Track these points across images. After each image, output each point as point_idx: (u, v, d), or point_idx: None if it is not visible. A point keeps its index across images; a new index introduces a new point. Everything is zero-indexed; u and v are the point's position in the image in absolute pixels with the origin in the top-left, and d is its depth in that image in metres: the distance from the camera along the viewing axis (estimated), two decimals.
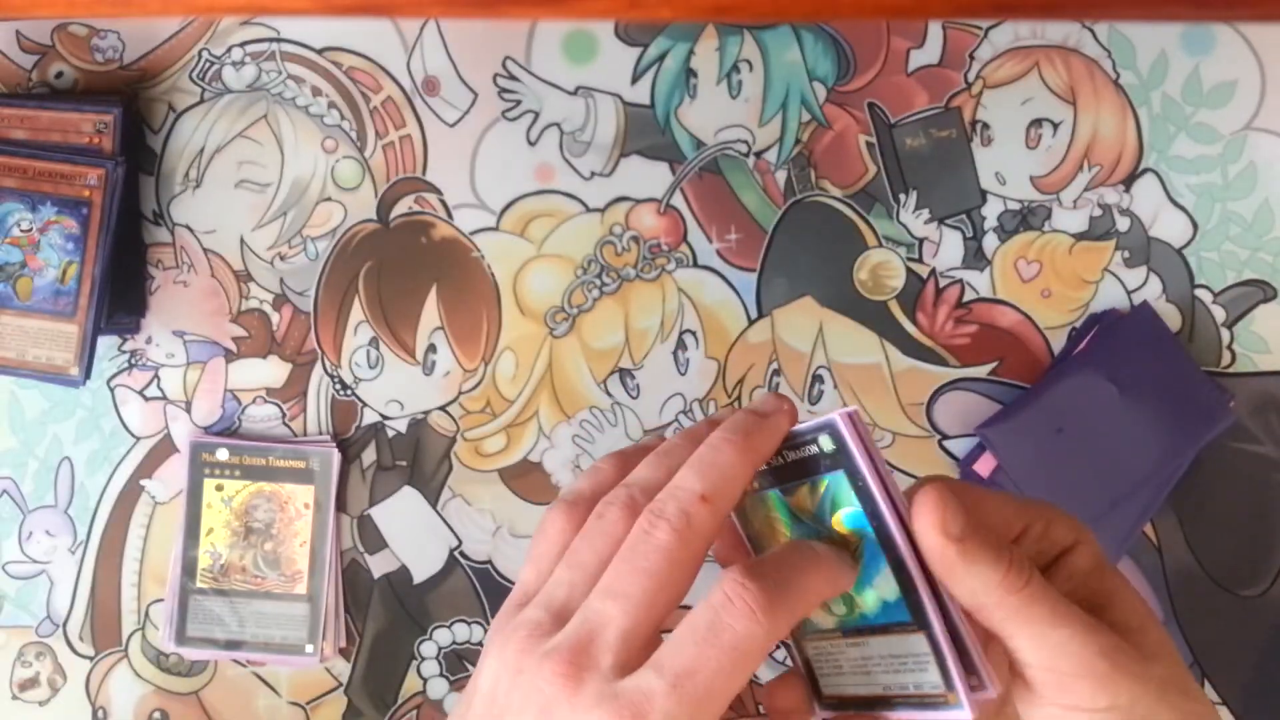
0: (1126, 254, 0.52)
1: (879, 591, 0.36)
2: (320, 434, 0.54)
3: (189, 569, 0.53)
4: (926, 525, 0.34)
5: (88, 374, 0.50)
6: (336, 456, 0.53)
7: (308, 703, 0.54)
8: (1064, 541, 0.38)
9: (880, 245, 0.52)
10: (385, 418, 0.54)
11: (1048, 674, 0.35)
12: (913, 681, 0.36)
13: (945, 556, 0.34)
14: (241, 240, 0.54)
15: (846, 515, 0.36)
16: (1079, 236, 0.52)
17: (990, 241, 0.52)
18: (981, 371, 0.52)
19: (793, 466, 0.37)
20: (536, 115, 0.53)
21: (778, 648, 0.43)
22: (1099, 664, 0.35)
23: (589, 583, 0.36)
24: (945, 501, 0.34)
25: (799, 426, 0.36)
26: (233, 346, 0.54)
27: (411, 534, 0.54)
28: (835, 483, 0.36)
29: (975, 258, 0.52)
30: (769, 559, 0.35)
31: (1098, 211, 0.52)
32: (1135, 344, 0.51)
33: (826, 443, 0.35)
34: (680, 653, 0.33)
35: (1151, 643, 0.36)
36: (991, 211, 0.52)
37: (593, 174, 0.53)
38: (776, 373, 0.53)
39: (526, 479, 0.54)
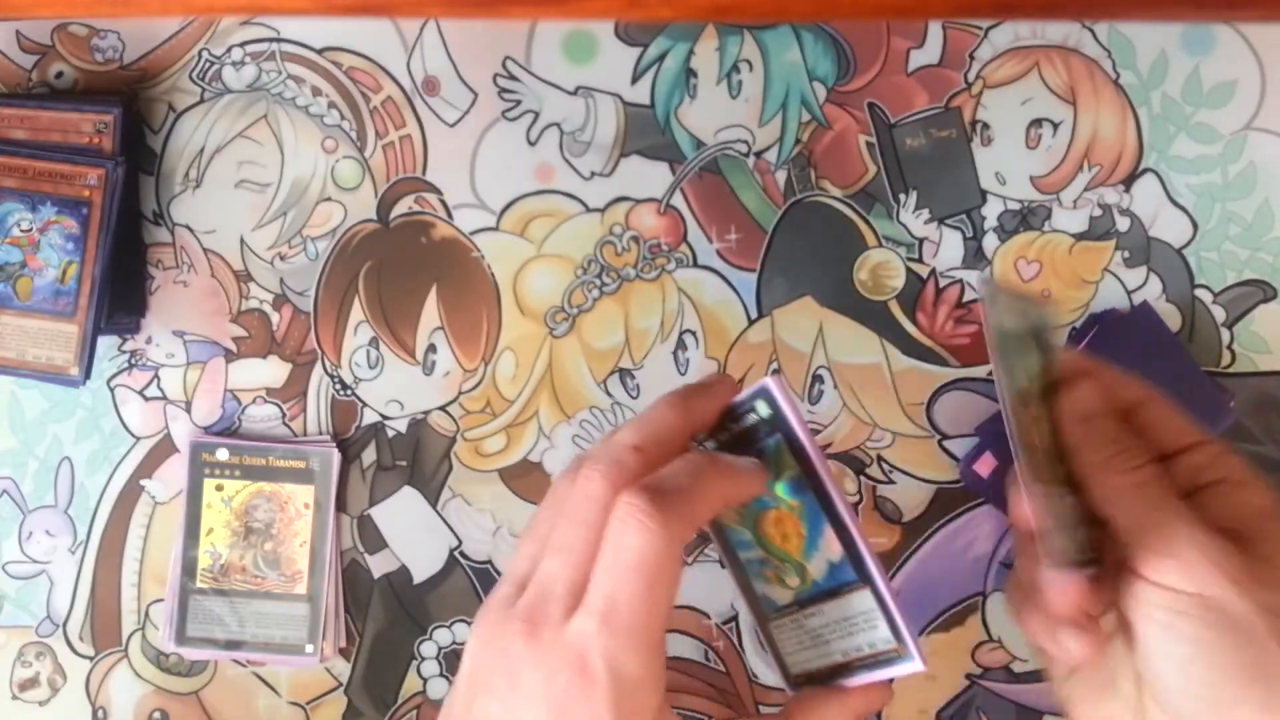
0: (1126, 254, 0.52)
1: (825, 554, 0.37)
2: (320, 434, 0.54)
3: (189, 569, 0.53)
4: (1066, 402, 0.39)
5: (88, 374, 0.50)
6: (336, 456, 0.53)
7: (308, 703, 0.54)
8: (1236, 473, 0.39)
9: (880, 245, 0.53)
10: (385, 418, 0.54)
11: (1140, 550, 0.37)
12: (866, 641, 0.38)
13: (1071, 432, 0.39)
14: (241, 240, 0.54)
15: (787, 482, 0.37)
16: (1079, 236, 0.52)
17: (990, 241, 0.52)
18: (982, 371, 0.52)
19: (740, 437, 0.38)
20: (536, 115, 0.53)
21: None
22: (1188, 552, 0.36)
23: (542, 548, 0.38)
24: (1090, 386, 0.39)
25: (739, 396, 0.38)
26: (233, 346, 0.54)
27: (411, 534, 0.54)
28: (775, 448, 0.37)
29: (975, 257, 0.52)
30: (661, 472, 0.36)
31: (1098, 211, 0.52)
32: (1136, 344, 0.51)
33: (763, 408, 0.37)
34: (599, 588, 0.35)
35: (1276, 574, 0.36)
36: (991, 211, 0.52)
37: (593, 174, 0.53)
38: (776, 372, 0.53)
39: (526, 479, 0.54)
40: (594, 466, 0.36)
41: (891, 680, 0.39)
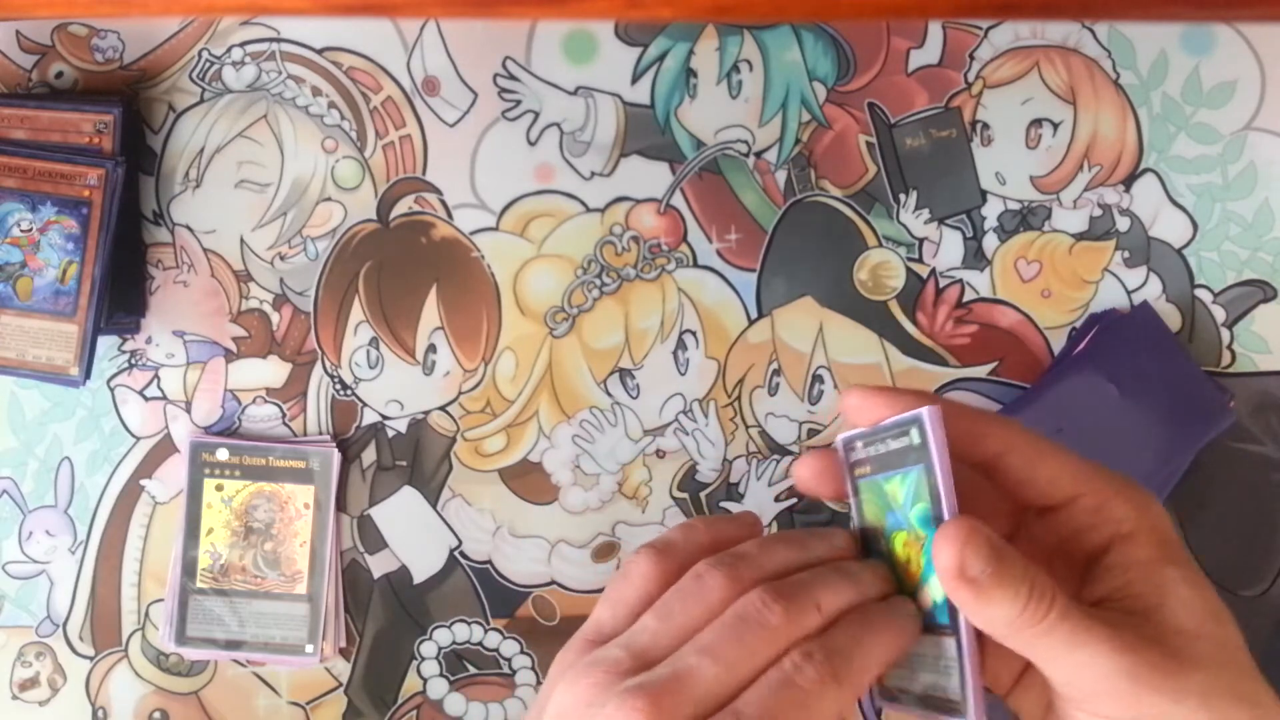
0: (1126, 254, 0.52)
1: (932, 593, 0.37)
2: (320, 434, 0.54)
3: (189, 569, 0.53)
4: (944, 564, 0.34)
5: (88, 374, 0.50)
6: (336, 456, 0.53)
7: (307, 703, 0.54)
8: (1123, 525, 0.36)
9: (880, 245, 0.53)
10: (385, 418, 0.54)
11: (1072, 689, 0.35)
12: (946, 684, 0.37)
13: (960, 597, 0.34)
14: (241, 240, 0.54)
15: (921, 512, 0.37)
16: (1079, 236, 0.52)
17: (990, 241, 0.52)
18: (981, 371, 0.52)
19: (894, 455, 0.38)
20: (536, 115, 0.53)
21: None
22: (1120, 683, 0.34)
23: (675, 635, 0.36)
24: (967, 540, 0.34)
25: (897, 417, 0.36)
26: (233, 346, 0.54)
27: (411, 534, 0.54)
28: (917, 477, 0.36)
29: (975, 258, 0.52)
30: (835, 636, 0.36)
31: (1098, 211, 0.52)
32: (1135, 344, 0.51)
33: (915, 436, 0.36)
34: (759, 703, 0.34)
35: (1200, 649, 0.34)
36: (991, 211, 0.52)
37: (593, 174, 0.53)
38: (776, 373, 0.53)
39: (526, 479, 0.54)
40: (809, 657, 0.35)
41: None
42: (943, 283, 0.52)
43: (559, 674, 0.36)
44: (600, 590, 0.54)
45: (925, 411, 0.35)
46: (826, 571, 0.37)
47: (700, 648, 0.35)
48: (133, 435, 0.54)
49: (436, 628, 0.54)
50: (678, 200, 0.53)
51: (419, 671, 0.54)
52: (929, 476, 0.36)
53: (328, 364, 0.54)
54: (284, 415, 0.54)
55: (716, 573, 0.37)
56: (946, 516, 0.35)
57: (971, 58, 0.52)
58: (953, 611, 0.36)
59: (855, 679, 0.35)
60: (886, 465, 0.38)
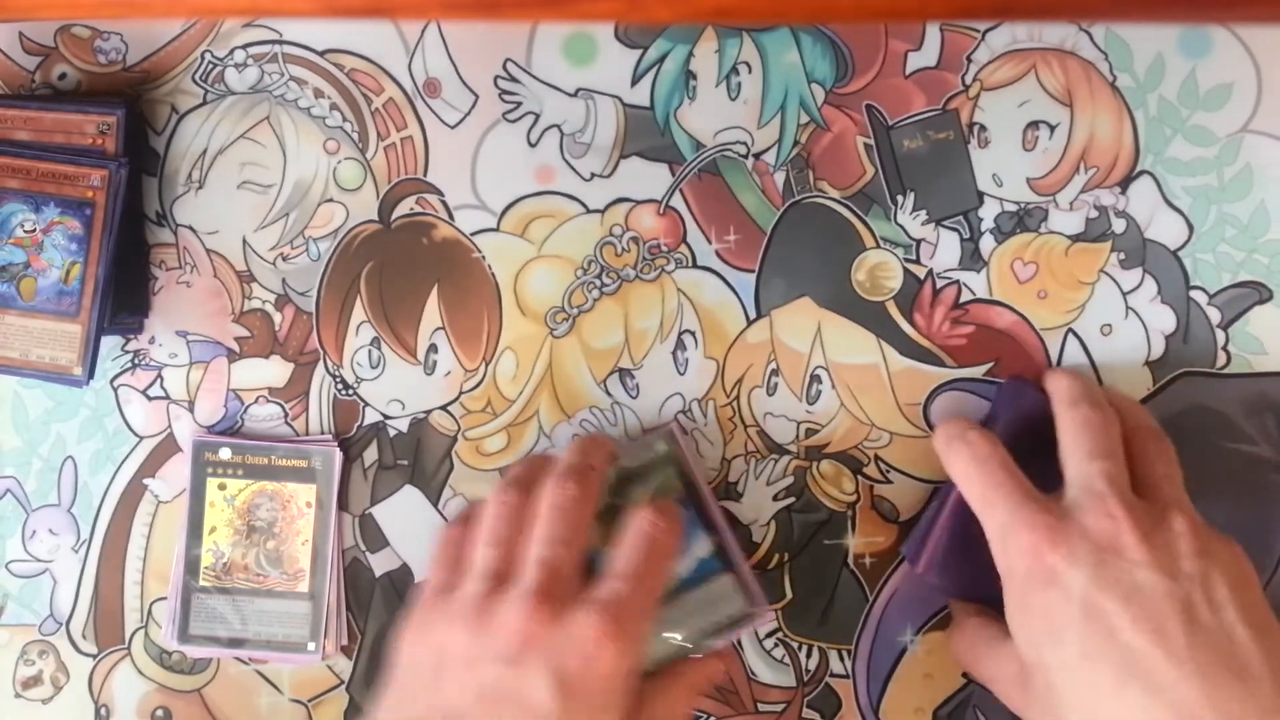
0: (1122, 255, 0.52)
1: (695, 554, 0.49)
2: (322, 433, 0.54)
3: (192, 567, 0.54)
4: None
5: (91, 374, 0.51)
6: (338, 456, 0.53)
7: (309, 700, 0.55)
8: None
9: (878, 246, 0.53)
10: (387, 417, 0.54)
11: None
12: (725, 614, 0.49)
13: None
14: (244, 241, 0.54)
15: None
16: (1075, 238, 0.52)
17: (987, 243, 0.53)
18: (978, 372, 0.53)
19: (639, 468, 0.51)
20: (537, 117, 0.53)
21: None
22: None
23: (510, 547, 0.45)
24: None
25: (644, 435, 0.51)
26: (235, 346, 0.54)
27: (413, 532, 0.54)
28: (667, 475, 0.51)
29: (972, 259, 0.53)
30: (618, 585, 0.45)
31: (1094, 213, 0.52)
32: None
33: (661, 445, 0.51)
34: (628, 562, 0.45)
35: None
36: (988, 213, 0.52)
37: (593, 175, 0.53)
38: (775, 373, 0.53)
39: None
40: (567, 475, 0.47)
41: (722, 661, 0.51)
42: (940, 284, 0.53)
43: (415, 632, 0.45)
44: None
45: (674, 425, 0.52)
46: (585, 445, 0.49)
47: (541, 540, 0.44)
48: (136, 435, 0.54)
49: None
50: (677, 201, 0.53)
51: None
52: (681, 474, 0.51)
53: (330, 364, 0.54)
54: (286, 415, 0.54)
55: (511, 489, 0.47)
56: (707, 492, 0.51)
57: (969, 60, 0.52)
58: (724, 554, 0.50)
59: (678, 525, 0.47)
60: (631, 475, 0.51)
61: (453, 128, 0.53)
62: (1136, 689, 0.40)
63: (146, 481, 0.54)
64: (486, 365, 0.54)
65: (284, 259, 0.54)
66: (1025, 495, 0.45)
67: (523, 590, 0.42)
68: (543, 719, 0.40)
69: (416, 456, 0.54)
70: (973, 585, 0.49)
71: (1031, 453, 0.48)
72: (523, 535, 0.45)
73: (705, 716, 0.54)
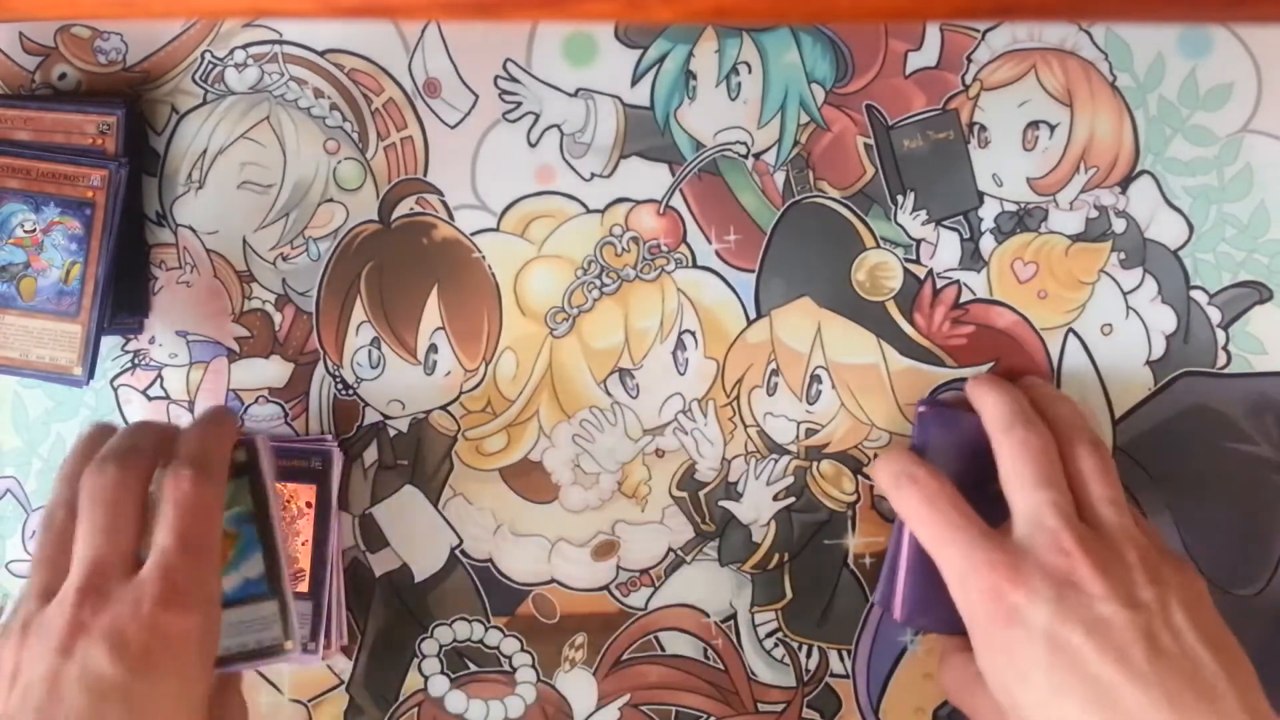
0: (1122, 255, 0.52)
1: (244, 574, 0.48)
2: (322, 433, 0.54)
3: None
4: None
5: (91, 374, 0.51)
6: (338, 456, 0.53)
7: (309, 700, 0.55)
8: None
9: (878, 246, 0.53)
10: (387, 417, 0.54)
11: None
12: (255, 639, 0.48)
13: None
14: (244, 241, 0.54)
15: (230, 515, 0.48)
16: (1075, 238, 0.52)
17: (987, 243, 0.53)
18: (978, 372, 0.53)
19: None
20: (537, 117, 0.53)
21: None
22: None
23: (65, 551, 0.44)
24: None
25: (236, 442, 0.49)
26: (235, 346, 0.54)
27: (413, 533, 0.54)
28: (238, 486, 0.49)
29: (972, 259, 0.53)
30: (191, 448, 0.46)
31: (1094, 213, 0.52)
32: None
33: (241, 454, 0.49)
34: (169, 529, 0.43)
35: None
36: (988, 213, 0.52)
37: (593, 175, 0.53)
38: (775, 373, 0.53)
39: (527, 478, 0.54)
40: (96, 466, 0.45)
41: None
42: (940, 284, 0.53)
43: (24, 644, 0.42)
44: (601, 589, 0.54)
45: (258, 439, 0.49)
46: (134, 427, 0.48)
47: (82, 536, 0.43)
48: None
49: (437, 625, 0.54)
50: (677, 201, 0.53)
51: (420, 669, 0.55)
52: (254, 485, 0.49)
53: (329, 364, 0.54)
54: (286, 415, 0.54)
55: (51, 501, 0.46)
56: (275, 508, 0.49)
57: (969, 60, 0.52)
58: (275, 581, 0.49)
59: (214, 467, 0.46)
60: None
61: (453, 128, 0.53)
62: (1105, 718, 0.40)
63: None
64: (486, 365, 0.54)
65: (284, 259, 0.54)
66: (978, 533, 0.44)
67: (66, 592, 0.42)
68: (109, 688, 0.39)
69: (416, 456, 0.54)
70: (955, 617, 0.47)
71: (966, 475, 0.48)
72: (69, 531, 0.44)
73: (705, 716, 0.54)
